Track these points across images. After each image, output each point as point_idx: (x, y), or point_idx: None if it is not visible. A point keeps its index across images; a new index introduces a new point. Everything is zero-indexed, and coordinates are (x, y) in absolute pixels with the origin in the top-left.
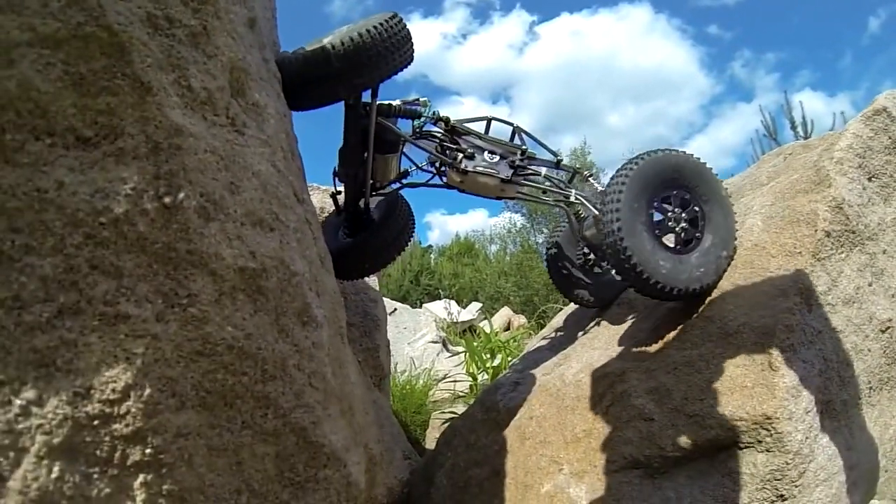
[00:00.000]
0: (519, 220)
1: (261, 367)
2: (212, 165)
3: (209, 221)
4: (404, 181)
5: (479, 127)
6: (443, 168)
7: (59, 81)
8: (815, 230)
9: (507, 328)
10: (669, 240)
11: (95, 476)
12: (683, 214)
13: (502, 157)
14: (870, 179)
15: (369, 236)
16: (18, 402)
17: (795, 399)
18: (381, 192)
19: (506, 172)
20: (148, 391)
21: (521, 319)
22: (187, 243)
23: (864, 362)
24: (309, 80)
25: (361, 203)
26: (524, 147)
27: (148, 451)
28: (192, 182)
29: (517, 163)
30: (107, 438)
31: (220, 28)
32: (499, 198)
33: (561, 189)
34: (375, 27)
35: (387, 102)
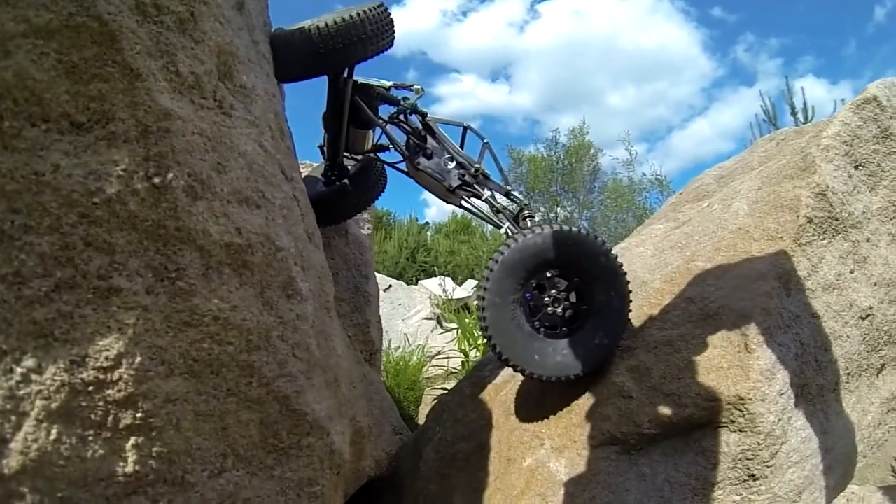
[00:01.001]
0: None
1: (245, 338)
2: (199, 147)
3: (197, 200)
4: (378, 154)
5: (454, 132)
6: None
7: (53, 70)
8: (798, 216)
9: None
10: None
11: (90, 438)
12: (561, 297)
13: (458, 167)
14: (856, 168)
15: (342, 187)
16: (19, 369)
17: (769, 381)
18: (356, 157)
19: (453, 182)
20: (139, 359)
21: None
22: (176, 220)
23: (843, 348)
24: (293, 56)
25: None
26: (478, 165)
27: (139, 415)
28: (181, 163)
29: (466, 177)
30: (101, 403)
31: (208, 13)
32: (445, 201)
33: (493, 218)
34: (353, 15)
35: (371, 83)
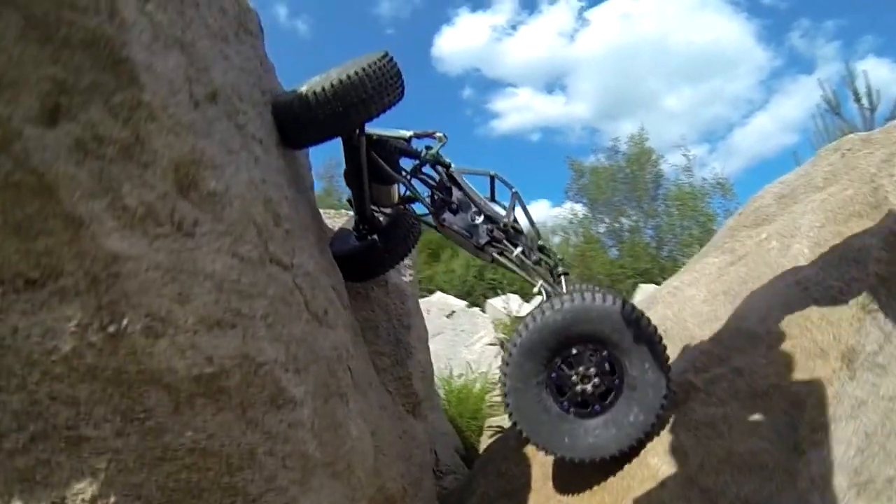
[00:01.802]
0: (581, 209)
1: (226, 462)
2: (156, 282)
3: (158, 338)
4: (408, 206)
5: (481, 181)
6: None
7: (1, 231)
8: (867, 273)
9: None
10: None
11: None
12: (590, 373)
13: (487, 221)
14: None
15: (371, 244)
16: None
17: (821, 491)
18: (385, 212)
19: (481, 239)
20: (113, 499)
21: None
22: (137, 364)
23: None
24: (295, 124)
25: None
26: (507, 221)
27: None
28: (135, 306)
29: (495, 232)
30: None
31: (158, 129)
32: (476, 256)
33: (528, 277)
34: (351, 75)
35: (389, 135)
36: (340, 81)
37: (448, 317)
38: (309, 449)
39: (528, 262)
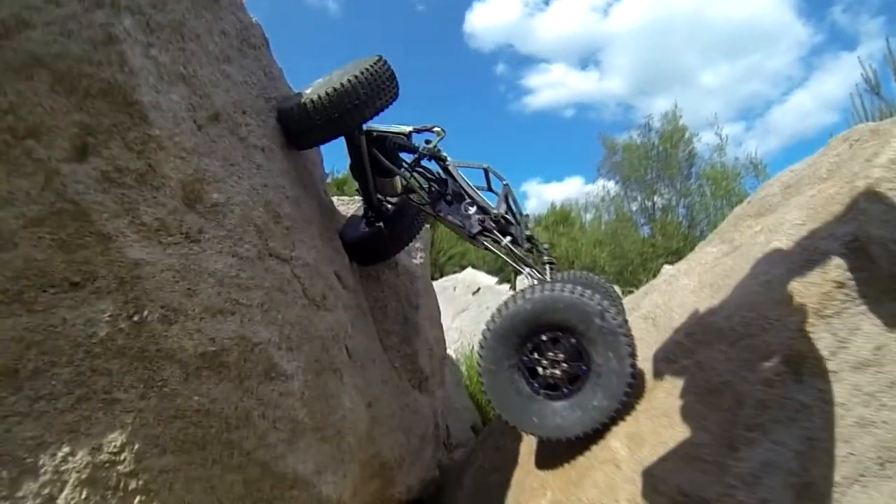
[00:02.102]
0: (613, 187)
1: (225, 422)
2: (169, 281)
3: (171, 325)
4: (411, 195)
5: (476, 174)
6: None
7: (49, 249)
8: (824, 279)
9: None
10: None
11: (109, 497)
12: (558, 359)
13: (479, 212)
14: None
15: (378, 230)
16: (60, 454)
17: (750, 486)
18: (390, 201)
19: (473, 229)
20: (138, 445)
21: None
22: (155, 345)
23: (875, 436)
24: (297, 129)
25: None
26: (497, 213)
27: (140, 482)
28: (154, 300)
29: (486, 222)
30: (113, 474)
31: (166, 156)
32: (471, 243)
33: (517, 265)
34: (344, 83)
35: (388, 132)
36: (335, 89)
37: (474, 294)
38: (299, 415)
39: (516, 251)
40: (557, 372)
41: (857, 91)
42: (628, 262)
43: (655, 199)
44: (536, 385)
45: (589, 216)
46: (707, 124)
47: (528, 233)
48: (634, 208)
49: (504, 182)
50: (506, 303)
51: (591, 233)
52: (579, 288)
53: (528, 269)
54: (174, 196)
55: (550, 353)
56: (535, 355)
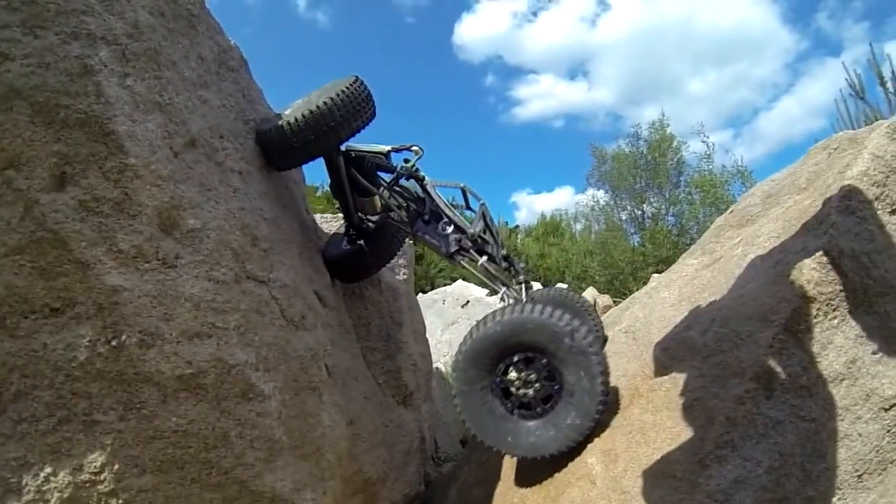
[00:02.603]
0: (603, 197)
1: (203, 441)
2: (146, 306)
3: (149, 349)
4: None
5: (452, 192)
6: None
7: (30, 276)
8: (795, 294)
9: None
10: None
11: None
12: (531, 379)
13: (455, 231)
14: (893, 213)
15: (359, 249)
16: (42, 474)
17: None
18: (371, 220)
19: (450, 248)
20: (117, 466)
21: (605, 299)
22: (133, 368)
23: (851, 449)
24: (275, 152)
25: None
26: (473, 232)
27: (120, 501)
28: (131, 325)
29: (463, 241)
30: (94, 494)
31: (142, 184)
32: (447, 261)
33: (493, 283)
34: (320, 105)
35: (365, 152)
36: (311, 112)
37: (463, 307)
38: (276, 434)
39: (492, 270)
40: (530, 392)
41: (841, 96)
42: (619, 271)
43: (645, 207)
44: (510, 405)
45: (579, 226)
46: (695, 133)
47: (503, 252)
48: (624, 217)
49: (481, 202)
50: (477, 325)
51: (581, 243)
52: (549, 308)
53: (504, 289)
54: (150, 223)
55: (523, 374)
56: (508, 376)
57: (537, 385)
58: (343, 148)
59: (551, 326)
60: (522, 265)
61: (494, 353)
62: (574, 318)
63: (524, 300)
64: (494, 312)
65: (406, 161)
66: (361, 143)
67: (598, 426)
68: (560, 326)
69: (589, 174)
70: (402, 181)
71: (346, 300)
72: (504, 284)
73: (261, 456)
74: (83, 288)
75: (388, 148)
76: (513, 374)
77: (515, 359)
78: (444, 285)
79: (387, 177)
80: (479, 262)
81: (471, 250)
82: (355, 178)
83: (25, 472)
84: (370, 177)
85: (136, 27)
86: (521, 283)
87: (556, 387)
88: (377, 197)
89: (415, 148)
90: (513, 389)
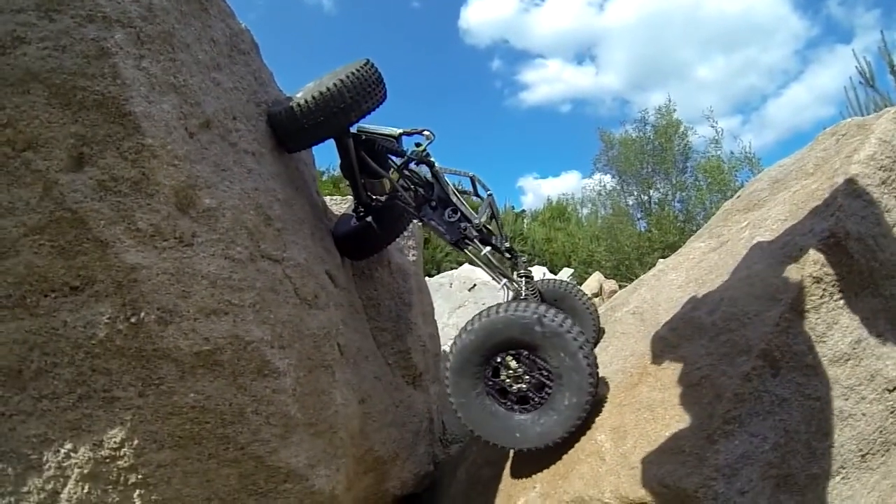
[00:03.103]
0: (609, 181)
1: (220, 417)
2: (164, 284)
3: (167, 325)
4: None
5: (460, 179)
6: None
7: (49, 255)
8: (801, 275)
9: (598, 293)
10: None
11: (109, 490)
12: (519, 373)
13: (461, 220)
14: None
15: (366, 225)
16: (63, 450)
17: (727, 479)
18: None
19: (454, 236)
20: (136, 441)
21: (611, 284)
22: (152, 344)
23: (855, 429)
24: (285, 133)
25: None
26: (478, 222)
27: (139, 476)
28: (150, 302)
29: (468, 231)
30: (114, 469)
31: (159, 164)
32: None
33: (494, 274)
34: (330, 87)
35: (376, 135)
36: (321, 93)
37: (470, 290)
38: (291, 410)
39: (494, 261)
40: (523, 386)
41: (851, 84)
42: (625, 256)
43: (651, 192)
44: (509, 403)
45: (585, 211)
46: (703, 118)
47: (507, 244)
48: (631, 202)
49: (489, 192)
50: (454, 340)
51: (587, 227)
52: (514, 304)
53: (504, 280)
54: (167, 202)
55: (511, 371)
56: (500, 377)
57: (526, 377)
58: (354, 129)
59: (519, 319)
60: (525, 259)
61: (477, 360)
62: (539, 305)
63: (520, 295)
64: (466, 324)
65: (417, 145)
66: (373, 125)
67: (608, 404)
68: (527, 317)
69: (596, 158)
70: (412, 165)
71: (356, 280)
72: (505, 276)
73: (276, 432)
74: (102, 266)
75: (399, 131)
76: (503, 374)
77: (499, 359)
78: (451, 269)
79: (397, 160)
80: (482, 253)
81: (475, 240)
82: (365, 160)
83: (46, 449)
84: (380, 159)
85: (150, 10)
86: (521, 276)
87: (543, 373)
88: (386, 179)
89: (426, 132)
90: (507, 388)
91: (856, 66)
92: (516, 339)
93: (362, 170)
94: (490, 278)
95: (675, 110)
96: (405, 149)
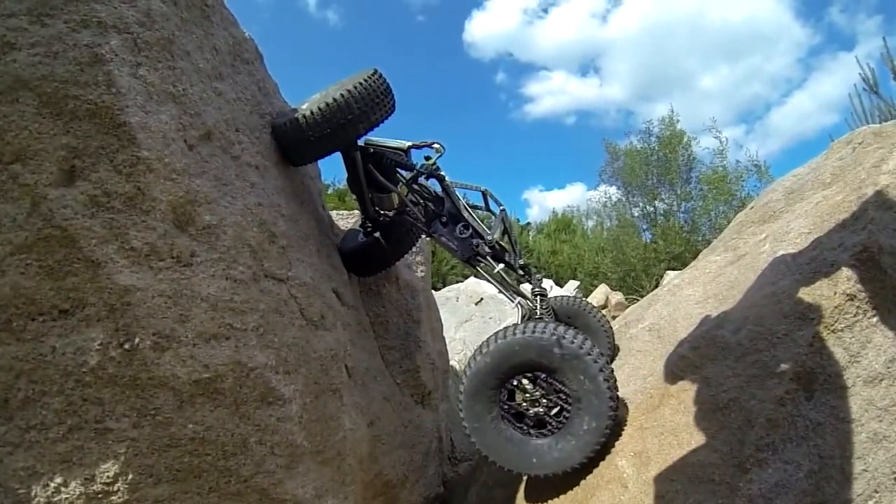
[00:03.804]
0: (615, 193)
1: (221, 449)
2: (160, 307)
3: (164, 352)
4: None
5: (474, 196)
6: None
7: (37, 276)
8: (835, 292)
9: (605, 306)
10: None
11: None
12: (536, 397)
13: (473, 236)
14: None
15: (374, 241)
16: (52, 484)
17: None
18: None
19: (466, 253)
20: (131, 475)
21: (617, 296)
22: (147, 372)
23: (890, 451)
24: (291, 146)
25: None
26: (491, 238)
27: None
28: (145, 327)
29: (480, 248)
30: None
31: (155, 178)
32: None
33: (508, 293)
34: (337, 98)
35: (384, 148)
36: (327, 105)
37: (476, 304)
38: (297, 439)
39: (508, 279)
40: (540, 410)
41: (855, 91)
42: (631, 267)
43: (657, 203)
44: (525, 428)
45: (591, 223)
46: (707, 128)
47: (522, 261)
48: (636, 214)
49: (501, 207)
50: (469, 363)
51: (593, 239)
52: (531, 324)
53: (518, 299)
54: (164, 219)
55: (528, 394)
56: (515, 400)
57: (544, 401)
58: (362, 142)
59: (537, 341)
60: (540, 277)
61: (492, 384)
62: (558, 326)
63: (535, 313)
64: (481, 346)
65: (427, 158)
66: (381, 137)
67: (628, 427)
68: (546, 338)
69: (602, 170)
70: (421, 179)
71: (363, 297)
72: (519, 294)
73: (281, 462)
74: (94, 288)
75: (408, 144)
76: (518, 398)
77: (515, 383)
78: (457, 282)
79: (406, 174)
80: (495, 270)
81: (487, 257)
82: (372, 174)
83: (35, 483)
84: (388, 173)
85: (148, 15)
86: (536, 296)
87: (561, 397)
88: (394, 194)
89: (436, 145)
90: (524, 412)
91: (859, 73)
92: (534, 362)
93: (370, 184)
94: (499, 293)
95: (678, 121)
96: (414, 162)
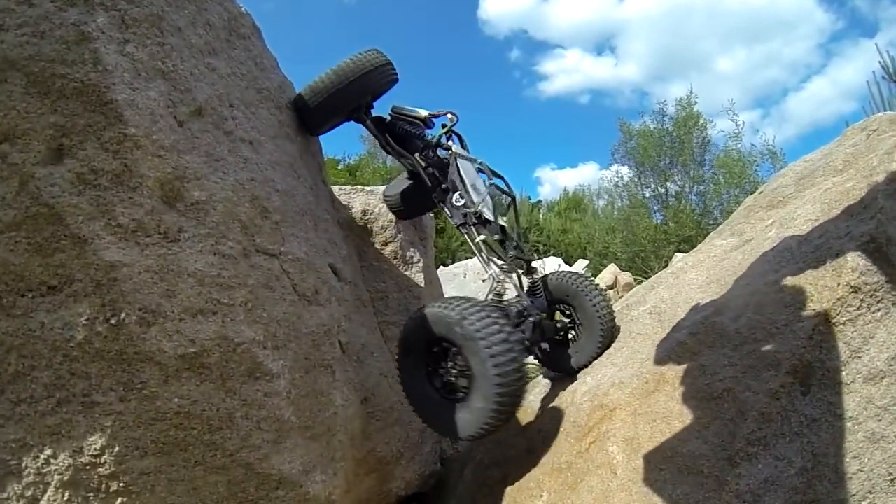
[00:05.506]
0: (627, 173)
1: (207, 423)
2: (147, 283)
3: (150, 327)
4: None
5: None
6: None
7: (26, 253)
8: (839, 283)
9: (613, 286)
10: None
11: (91, 498)
12: (450, 365)
13: (464, 206)
14: None
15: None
16: (42, 456)
17: None
18: None
19: (457, 220)
20: (118, 448)
21: (626, 277)
22: (134, 347)
23: (886, 452)
24: (303, 115)
25: None
26: (475, 209)
27: (121, 484)
28: (131, 302)
29: (468, 217)
30: (95, 477)
31: (143, 155)
32: None
33: (484, 263)
34: (336, 70)
35: (400, 116)
36: (332, 71)
37: (484, 280)
38: (285, 414)
39: (484, 250)
40: (452, 379)
41: (874, 79)
42: (641, 248)
43: (669, 185)
44: (441, 390)
45: (602, 202)
46: (723, 111)
47: (516, 241)
48: (648, 194)
49: (491, 181)
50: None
51: (603, 219)
52: (455, 302)
53: (492, 270)
54: (152, 195)
55: (447, 362)
56: (436, 365)
57: (454, 371)
58: (390, 107)
59: (445, 318)
60: (535, 260)
61: (421, 345)
62: (472, 307)
63: (501, 293)
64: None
65: (443, 126)
66: (401, 105)
67: (622, 411)
68: (451, 316)
69: (615, 148)
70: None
71: (364, 273)
72: (495, 266)
73: (268, 437)
74: (80, 264)
75: (425, 113)
76: (443, 364)
77: (435, 349)
78: (466, 258)
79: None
80: (476, 240)
81: (471, 227)
82: (388, 142)
83: (25, 455)
84: (403, 142)
85: None
86: (521, 269)
87: (467, 371)
88: (406, 160)
89: (450, 115)
90: (441, 375)
91: (878, 61)
92: (443, 335)
93: (386, 150)
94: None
95: (696, 102)
96: (424, 133)
